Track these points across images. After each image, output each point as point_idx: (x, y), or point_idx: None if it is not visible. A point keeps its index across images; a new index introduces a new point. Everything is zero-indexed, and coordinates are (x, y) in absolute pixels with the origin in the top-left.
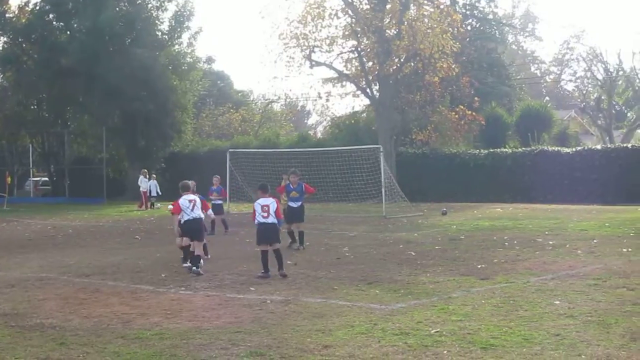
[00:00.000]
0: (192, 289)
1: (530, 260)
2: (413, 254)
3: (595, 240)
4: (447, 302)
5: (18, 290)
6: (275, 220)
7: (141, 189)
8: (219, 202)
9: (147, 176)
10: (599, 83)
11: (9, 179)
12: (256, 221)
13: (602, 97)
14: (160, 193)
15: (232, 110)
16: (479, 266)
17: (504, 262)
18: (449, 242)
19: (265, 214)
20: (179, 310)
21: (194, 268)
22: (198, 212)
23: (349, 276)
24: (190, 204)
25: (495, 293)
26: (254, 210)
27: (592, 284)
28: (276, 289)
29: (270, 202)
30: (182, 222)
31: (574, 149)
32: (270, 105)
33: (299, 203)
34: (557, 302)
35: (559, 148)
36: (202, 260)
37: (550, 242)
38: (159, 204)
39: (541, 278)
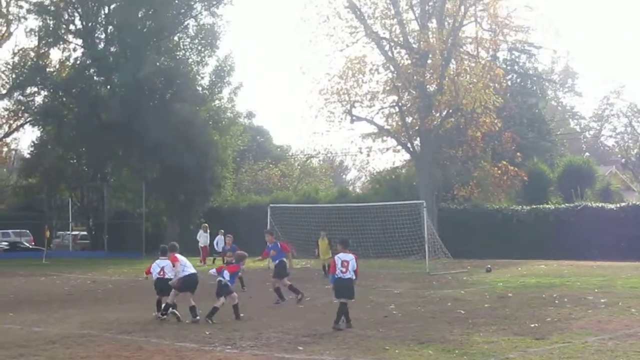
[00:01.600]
0: (238, 348)
1: (585, 319)
2: (462, 312)
3: None
4: None
5: (59, 347)
6: (353, 276)
7: (200, 243)
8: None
9: (207, 231)
10: None
11: (48, 233)
12: (335, 275)
13: None
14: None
15: (271, 165)
16: (532, 325)
17: (557, 321)
18: (498, 300)
19: (344, 269)
20: None
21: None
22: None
23: (399, 335)
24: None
25: (554, 354)
26: (334, 264)
27: None
28: (325, 348)
29: (350, 258)
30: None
31: (618, 205)
32: (309, 161)
33: (277, 261)
34: None
35: (603, 204)
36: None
37: (602, 300)
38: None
39: (599, 338)
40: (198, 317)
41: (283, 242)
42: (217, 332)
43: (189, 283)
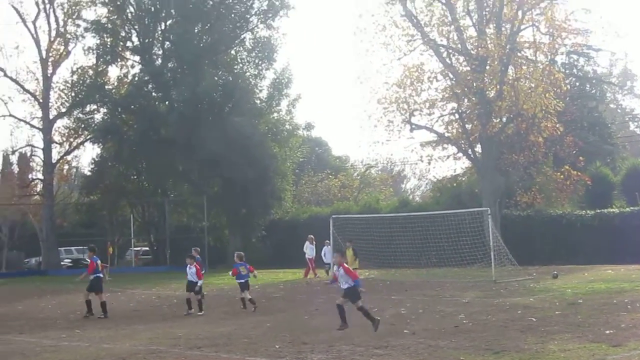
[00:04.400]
0: None
1: None
2: (534, 320)
3: None
4: None
5: None
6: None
7: (307, 255)
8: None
9: (314, 242)
10: None
11: (110, 249)
12: None
13: None
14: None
15: (331, 176)
16: (607, 332)
17: (633, 327)
18: (568, 307)
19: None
20: None
21: None
22: None
23: (473, 345)
24: None
25: None
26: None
27: None
28: None
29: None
30: None
31: None
32: (368, 171)
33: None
34: None
35: None
36: None
37: None
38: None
39: None
40: None
41: (101, 262)
42: (287, 345)
43: None
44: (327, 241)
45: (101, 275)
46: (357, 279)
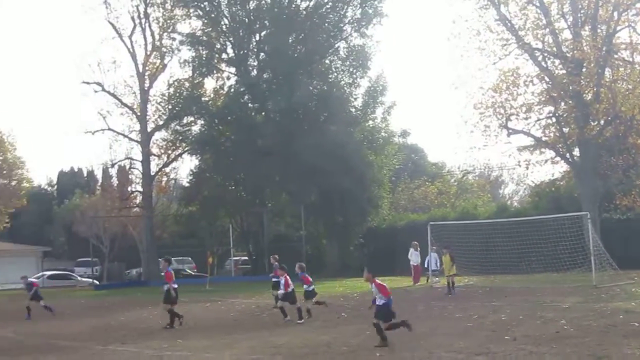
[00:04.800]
0: None
1: None
2: (637, 324)
3: None
4: None
5: None
6: None
7: (412, 262)
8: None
9: (418, 249)
10: None
11: (210, 259)
12: None
13: None
14: (438, 267)
15: (427, 183)
16: None
17: None
18: None
19: None
20: None
21: None
22: None
23: (575, 351)
24: None
25: None
26: None
27: None
28: None
29: None
30: None
31: None
32: (465, 177)
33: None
34: None
35: None
36: None
37: None
38: (436, 279)
39: None
40: None
41: (169, 272)
42: (388, 354)
43: None
44: (434, 247)
45: (175, 285)
46: (389, 296)
